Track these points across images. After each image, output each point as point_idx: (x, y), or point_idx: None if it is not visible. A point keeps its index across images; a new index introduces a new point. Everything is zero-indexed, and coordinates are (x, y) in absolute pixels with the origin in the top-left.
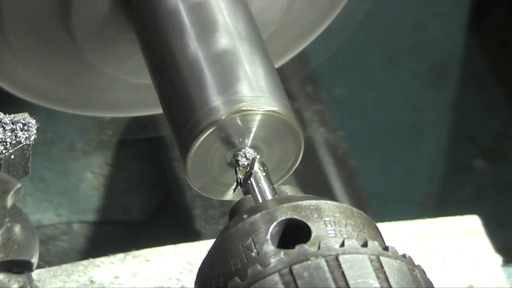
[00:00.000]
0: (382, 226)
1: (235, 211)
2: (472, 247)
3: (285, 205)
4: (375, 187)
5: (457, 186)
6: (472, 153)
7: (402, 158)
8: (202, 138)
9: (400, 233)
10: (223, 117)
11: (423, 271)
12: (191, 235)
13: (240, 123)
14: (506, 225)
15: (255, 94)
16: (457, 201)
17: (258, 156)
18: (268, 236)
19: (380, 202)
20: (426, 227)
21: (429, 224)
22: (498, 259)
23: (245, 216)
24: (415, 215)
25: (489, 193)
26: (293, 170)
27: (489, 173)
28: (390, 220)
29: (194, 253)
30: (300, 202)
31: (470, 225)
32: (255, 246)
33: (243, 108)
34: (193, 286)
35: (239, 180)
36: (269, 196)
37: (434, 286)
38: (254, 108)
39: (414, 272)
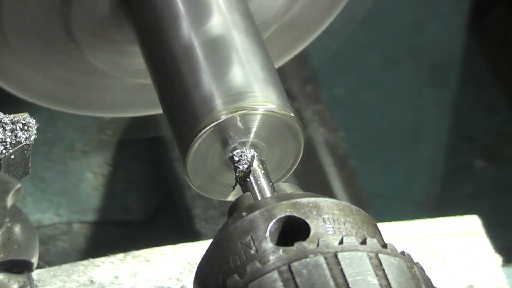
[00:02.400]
0: (382, 226)
1: (234, 208)
2: (472, 247)
3: (284, 202)
4: (375, 187)
5: (457, 186)
6: (472, 153)
7: (402, 158)
8: (202, 138)
9: (400, 233)
10: (223, 117)
11: (422, 269)
12: (191, 235)
13: (240, 123)
14: (506, 225)
15: (255, 95)
16: (457, 201)
17: (257, 154)
18: (267, 234)
19: (380, 202)
20: (426, 227)
21: (429, 224)
22: (498, 259)
23: (244, 213)
24: (415, 215)
25: (489, 193)
26: (293, 170)
27: (489, 173)
28: (390, 220)
29: (194, 253)
30: (299, 200)
31: (470, 225)
32: (254, 243)
33: (243, 108)
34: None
35: (238, 178)
36: (268, 194)
37: (434, 286)
38: (254, 108)
39: (413, 270)
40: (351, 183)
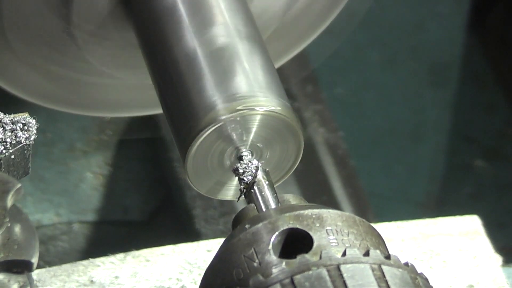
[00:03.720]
0: (382, 226)
1: (238, 220)
2: (472, 247)
3: (287, 214)
4: (375, 187)
5: (457, 186)
6: (472, 153)
7: (402, 158)
8: (202, 138)
9: (400, 233)
10: (223, 117)
11: (426, 279)
12: (191, 235)
13: (240, 123)
14: (506, 225)
15: (255, 94)
16: (457, 201)
17: (261, 165)
18: (270, 246)
19: (380, 202)
20: (426, 227)
21: (429, 224)
22: (498, 259)
23: (247, 226)
24: (415, 215)
25: (489, 193)
26: (293, 170)
27: (489, 173)
28: (390, 220)
29: (194, 253)
30: (302, 212)
31: (470, 225)
32: (257, 256)
33: (243, 108)
34: (193, 286)
35: (242, 190)
36: (272, 205)
37: (434, 286)
38: (254, 108)
39: (417, 281)
40: (351, 183)
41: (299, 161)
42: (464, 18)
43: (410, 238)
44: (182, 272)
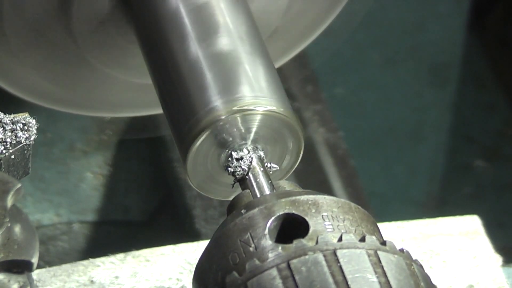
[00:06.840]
0: (382, 226)
1: (233, 206)
2: (472, 247)
3: (283, 200)
4: (375, 187)
5: (457, 186)
6: (472, 153)
7: (402, 158)
8: (202, 138)
9: (400, 233)
10: (223, 117)
11: (421, 266)
12: (191, 235)
13: (240, 123)
14: (506, 225)
15: (255, 94)
16: (457, 201)
17: (255, 152)
18: (266, 231)
19: (380, 202)
20: (426, 227)
21: (429, 224)
22: (498, 259)
23: (243, 211)
24: (415, 215)
25: (489, 193)
26: (293, 170)
27: (489, 173)
28: (390, 220)
29: (194, 253)
30: (298, 197)
31: (470, 225)
32: (253, 240)
33: (243, 108)
34: None
35: (236, 176)
36: (267, 191)
37: (433, 283)
38: (254, 108)
39: (412, 267)
40: (351, 183)
41: (299, 161)
42: (464, 18)
43: (410, 238)
44: (182, 272)
